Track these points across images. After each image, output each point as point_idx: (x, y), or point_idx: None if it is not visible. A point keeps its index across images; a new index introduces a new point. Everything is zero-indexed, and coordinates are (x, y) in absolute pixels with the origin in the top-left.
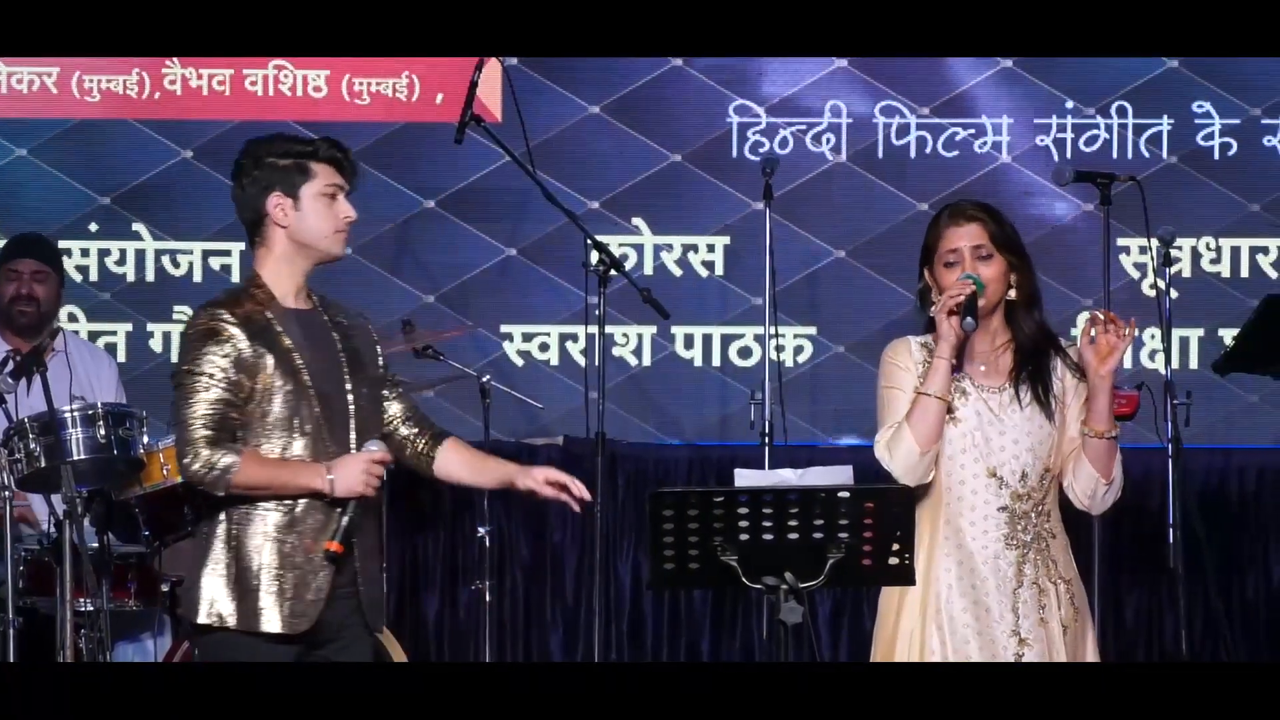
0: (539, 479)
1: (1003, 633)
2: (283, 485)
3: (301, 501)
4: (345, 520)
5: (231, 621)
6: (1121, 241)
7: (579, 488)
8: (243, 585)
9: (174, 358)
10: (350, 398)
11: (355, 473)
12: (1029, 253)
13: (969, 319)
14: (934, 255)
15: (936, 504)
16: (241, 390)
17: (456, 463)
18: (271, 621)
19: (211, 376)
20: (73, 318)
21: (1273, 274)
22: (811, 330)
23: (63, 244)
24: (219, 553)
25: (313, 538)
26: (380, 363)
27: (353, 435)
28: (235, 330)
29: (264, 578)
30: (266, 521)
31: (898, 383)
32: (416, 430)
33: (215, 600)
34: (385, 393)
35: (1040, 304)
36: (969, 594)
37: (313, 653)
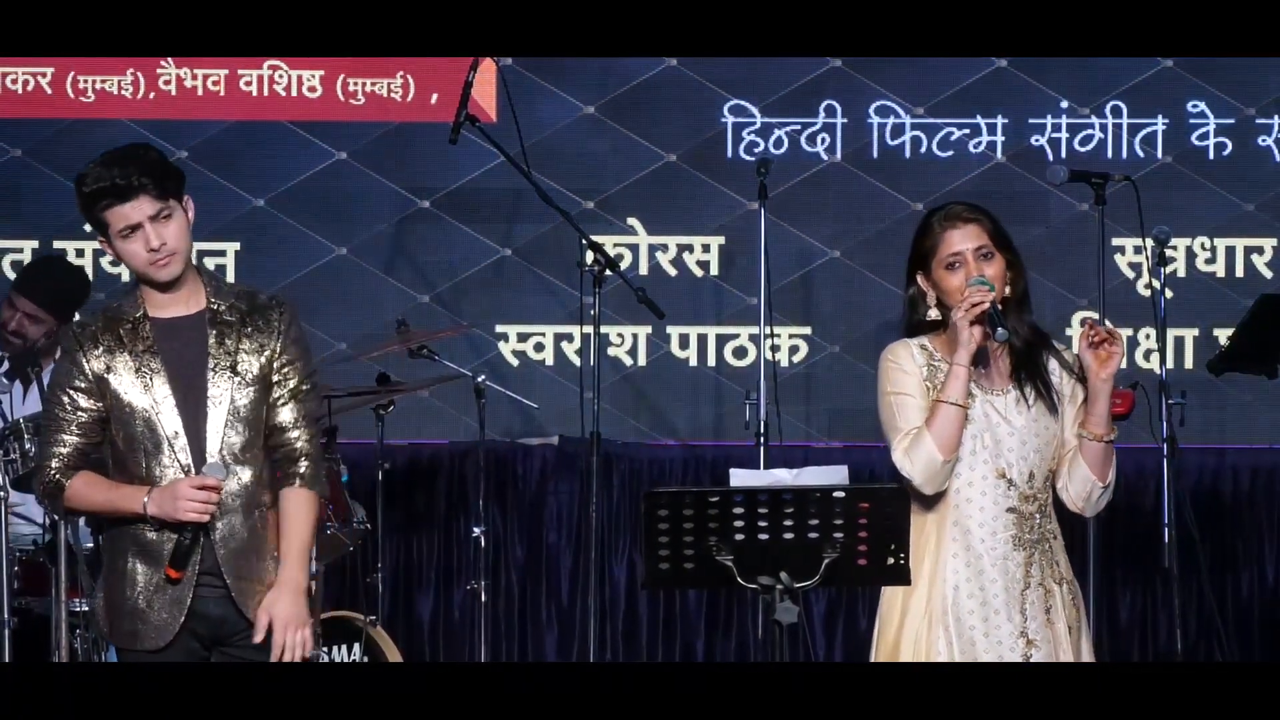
0: (261, 626)
1: (1010, 634)
2: (111, 508)
3: (153, 525)
4: (179, 546)
5: (109, 635)
6: (1116, 241)
7: (276, 653)
8: (113, 603)
9: None
10: (210, 404)
11: (172, 499)
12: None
13: (1001, 330)
14: (931, 260)
15: (944, 506)
16: (90, 414)
17: (280, 517)
18: (135, 639)
19: (60, 404)
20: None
21: (1267, 274)
22: (806, 330)
23: (58, 244)
24: (105, 567)
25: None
26: (276, 351)
27: (209, 443)
28: (79, 354)
29: (129, 595)
30: (137, 542)
31: (904, 388)
32: (283, 456)
33: (98, 613)
34: (275, 393)
35: (1029, 302)
36: (977, 595)
37: (219, 650)
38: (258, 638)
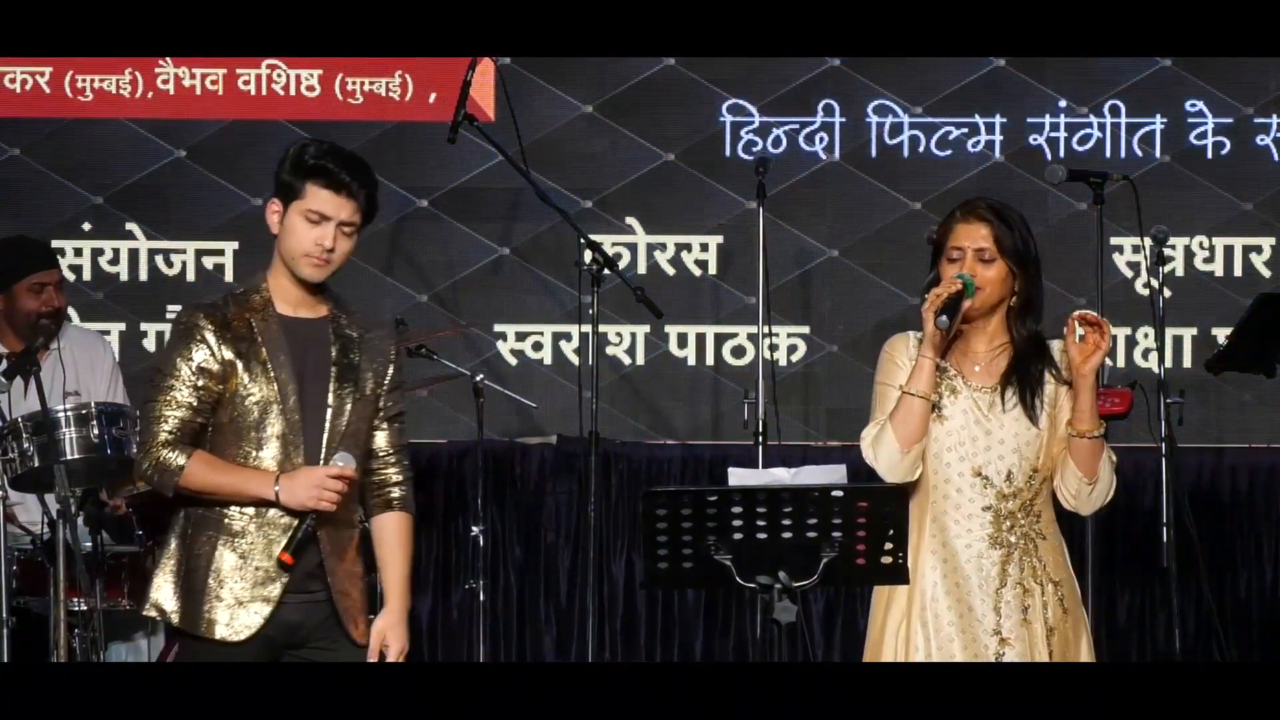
0: (376, 649)
1: (984, 631)
2: (231, 491)
3: (256, 510)
4: (300, 533)
5: (175, 619)
6: (1115, 240)
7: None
8: (187, 586)
9: None
10: (330, 412)
11: (304, 486)
12: (1039, 262)
13: (943, 317)
14: (942, 250)
15: (924, 502)
16: (209, 394)
17: (379, 543)
18: (213, 627)
19: (177, 378)
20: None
21: (1266, 273)
22: (805, 329)
23: (56, 243)
24: (172, 549)
25: (264, 548)
26: (388, 375)
27: (324, 446)
28: (209, 334)
29: (210, 582)
30: (220, 526)
31: (891, 379)
32: (379, 480)
33: (159, 595)
34: (379, 416)
35: (1038, 313)
36: (953, 592)
37: (289, 653)
38: (372, 658)
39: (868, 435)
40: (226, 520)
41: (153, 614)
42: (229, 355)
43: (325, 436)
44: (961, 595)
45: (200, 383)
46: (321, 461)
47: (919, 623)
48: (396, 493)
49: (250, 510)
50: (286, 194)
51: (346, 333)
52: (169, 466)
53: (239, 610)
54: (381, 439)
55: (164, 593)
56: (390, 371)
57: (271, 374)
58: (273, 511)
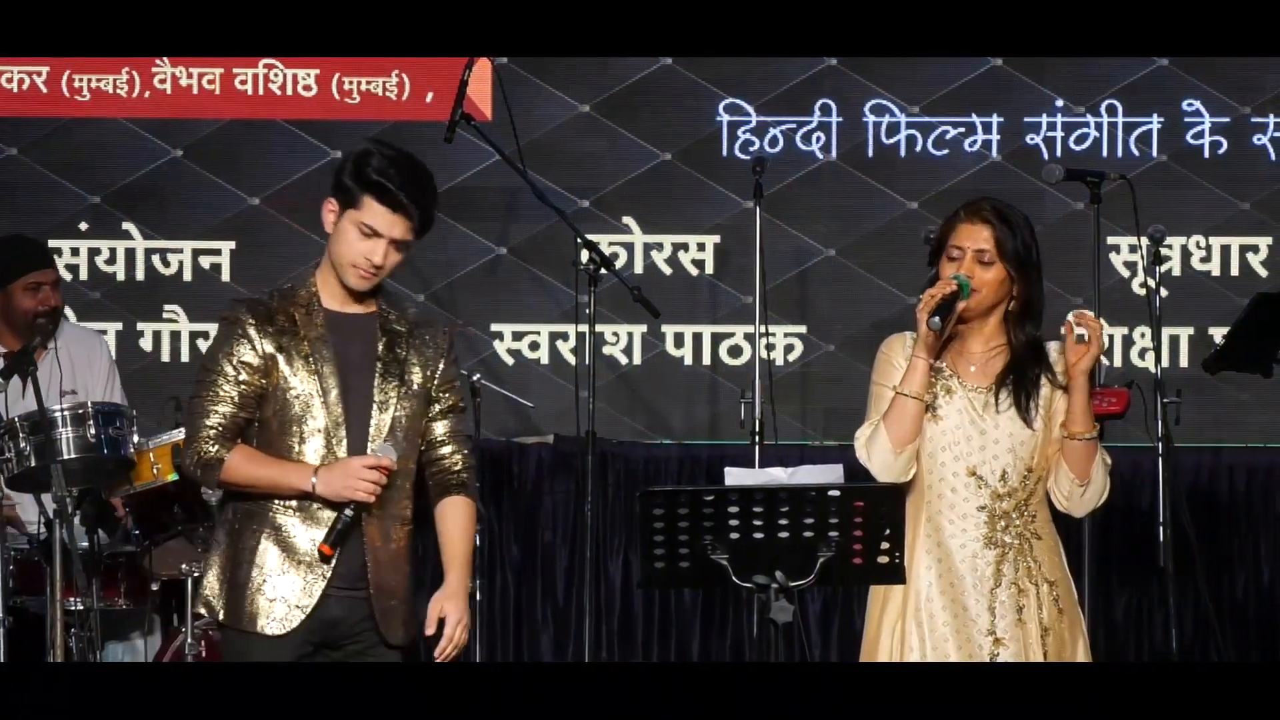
0: (434, 619)
1: (979, 631)
2: (271, 483)
3: (301, 503)
4: (340, 524)
5: (221, 615)
6: (1112, 240)
7: (445, 646)
8: (234, 580)
9: (166, 356)
10: (375, 406)
11: (341, 477)
12: (1040, 267)
13: (935, 319)
14: (943, 247)
15: (919, 501)
16: (252, 389)
17: (440, 526)
18: (256, 620)
19: (221, 373)
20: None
21: (1263, 272)
22: (802, 329)
23: (53, 243)
24: (220, 544)
25: (308, 540)
26: (439, 371)
27: (369, 442)
28: (251, 329)
29: (254, 576)
30: (265, 520)
31: (886, 379)
32: (440, 468)
33: (207, 590)
34: (435, 408)
35: (1037, 319)
36: (948, 592)
37: (325, 652)
38: (430, 630)
39: (862, 435)
40: (271, 514)
41: (201, 610)
42: (270, 349)
43: (371, 430)
44: (956, 595)
45: (243, 377)
46: (365, 454)
47: (914, 623)
48: (457, 479)
49: (293, 503)
50: (344, 199)
51: (394, 327)
52: (211, 460)
53: (281, 604)
54: (440, 429)
55: (211, 587)
56: (442, 365)
57: (314, 367)
58: (316, 505)
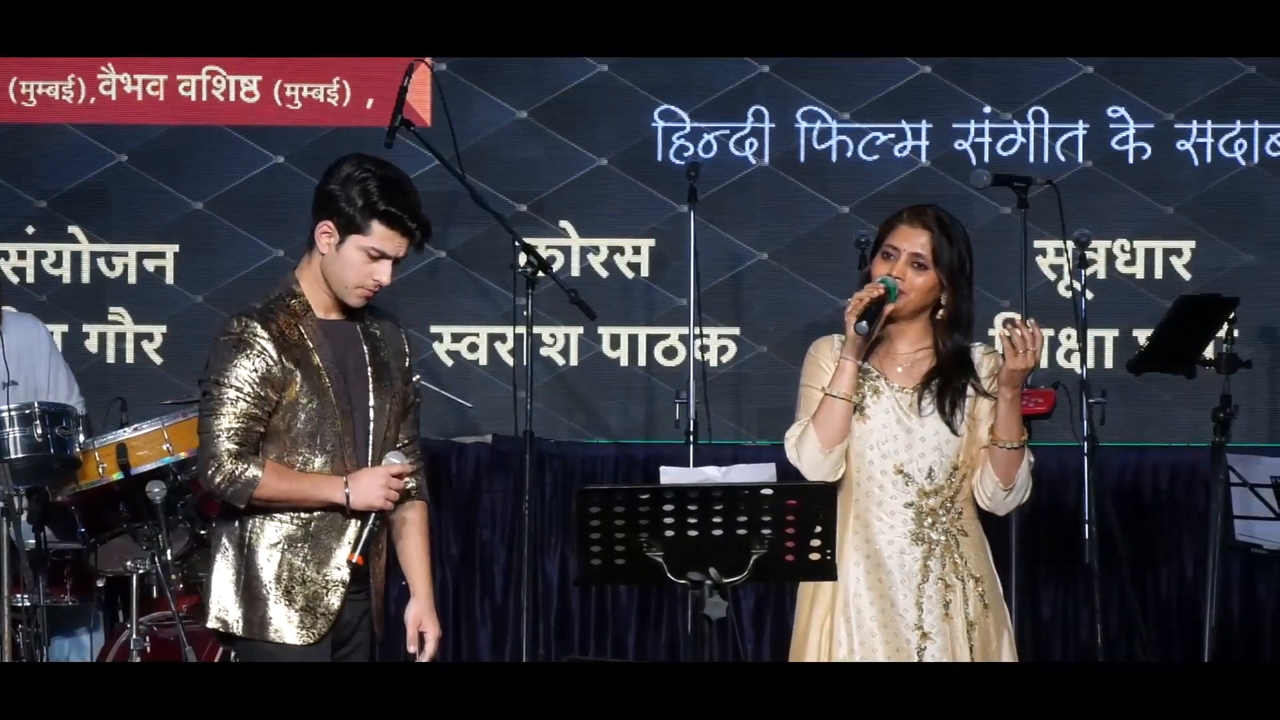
0: (414, 638)
1: (906, 626)
2: (303, 497)
3: (316, 514)
4: (365, 533)
5: (238, 628)
6: (1038, 244)
7: (426, 647)
8: (251, 593)
9: (111, 358)
10: (372, 413)
11: (372, 487)
12: (972, 280)
13: (862, 323)
14: (879, 245)
15: (847, 500)
16: (267, 404)
17: (399, 534)
18: (283, 632)
19: (239, 390)
20: None
21: (1186, 276)
22: (735, 331)
23: (0, 246)
24: (232, 559)
25: (328, 550)
26: (406, 368)
27: (370, 449)
28: (266, 344)
29: (273, 589)
30: (280, 532)
31: (814, 381)
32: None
33: (223, 605)
34: (403, 410)
35: (966, 329)
36: (875, 588)
37: (335, 653)
38: (413, 648)
39: (791, 435)
40: (285, 525)
41: (216, 626)
42: (289, 364)
43: (372, 437)
44: (884, 590)
45: (263, 393)
46: (370, 461)
47: (842, 618)
48: (412, 482)
49: (306, 515)
50: (346, 225)
51: (372, 331)
52: (243, 479)
53: (306, 614)
54: (406, 431)
55: (225, 602)
56: (407, 364)
57: (326, 382)
58: (329, 515)
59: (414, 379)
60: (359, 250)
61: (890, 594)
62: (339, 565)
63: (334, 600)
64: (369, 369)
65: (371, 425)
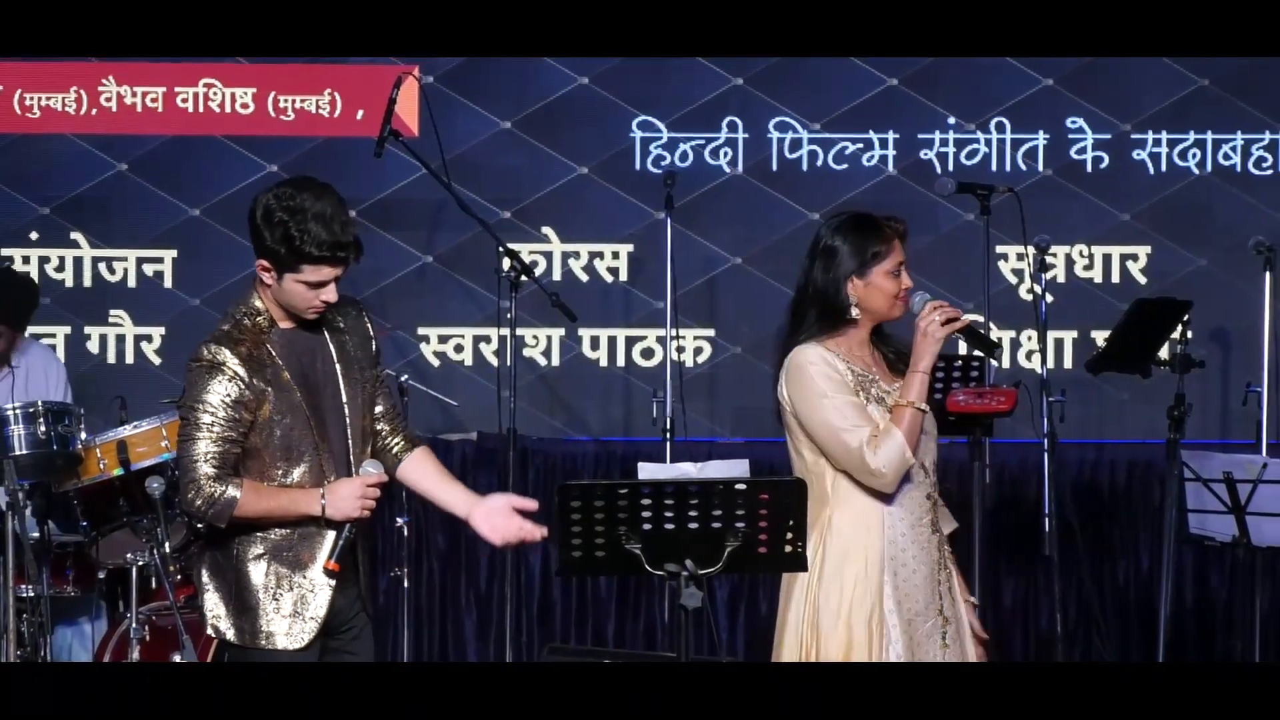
0: (496, 532)
1: (933, 612)
2: (282, 513)
3: (301, 524)
4: (342, 540)
5: (230, 636)
6: (1000, 249)
7: (531, 530)
8: (241, 603)
9: (112, 359)
10: (346, 409)
11: (347, 497)
12: None
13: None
14: (876, 263)
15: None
16: (242, 424)
17: (422, 473)
18: (274, 639)
19: (214, 414)
20: None
21: (1142, 279)
22: (710, 332)
23: (5, 251)
24: (222, 572)
25: (312, 556)
26: (373, 352)
27: (350, 445)
28: (237, 368)
29: (263, 597)
30: (266, 543)
31: (837, 390)
32: (390, 429)
33: (217, 616)
34: (375, 390)
35: None
36: (910, 579)
37: (328, 643)
38: (528, 535)
39: (866, 447)
40: (271, 536)
41: (213, 634)
42: (260, 385)
43: (349, 440)
44: (917, 581)
45: (237, 415)
46: (351, 465)
47: (895, 615)
48: (410, 438)
49: (288, 527)
50: (280, 265)
51: (336, 326)
52: (222, 500)
53: (295, 620)
54: (379, 408)
55: (219, 613)
56: (373, 346)
57: (298, 397)
58: (301, 528)
59: (380, 355)
60: (297, 284)
61: (921, 584)
62: (321, 571)
63: (320, 605)
64: (337, 365)
65: (348, 420)
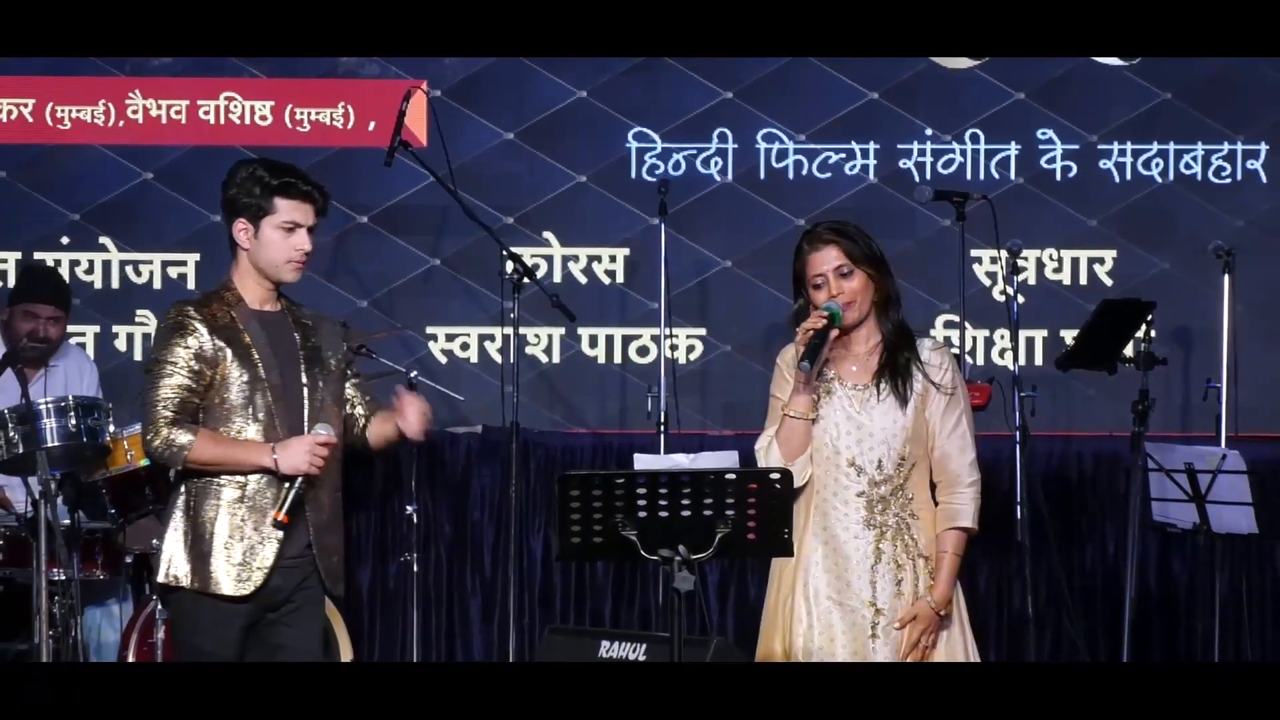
0: (405, 420)
1: (860, 603)
2: (235, 462)
3: (253, 478)
4: (291, 494)
5: (185, 582)
6: (975, 253)
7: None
8: (197, 550)
9: (139, 356)
10: (305, 390)
11: (299, 452)
12: (886, 258)
13: (804, 363)
14: (803, 280)
15: (808, 490)
16: (202, 378)
17: (373, 428)
18: (221, 584)
19: (175, 365)
20: None
21: (1108, 281)
22: (702, 331)
23: (37, 255)
24: (178, 520)
25: (263, 511)
26: (343, 356)
27: (305, 420)
28: (199, 326)
29: (216, 545)
30: (221, 495)
31: (779, 390)
32: (362, 413)
33: (173, 562)
34: (346, 385)
35: (898, 304)
36: (832, 570)
37: (266, 615)
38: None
39: (760, 446)
40: (224, 489)
41: (166, 581)
42: (220, 343)
43: (305, 410)
44: (840, 572)
45: (196, 367)
46: (305, 432)
47: (801, 598)
48: (371, 410)
49: (242, 479)
50: (255, 213)
51: (304, 322)
52: (177, 443)
53: (243, 569)
54: (351, 393)
55: (176, 559)
56: (345, 347)
57: (256, 359)
58: (265, 479)
59: (353, 358)
60: (275, 229)
61: (846, 575)
62: (271, 523)
63: (266, 556)
64: (300, 352)
65: (306, 403)
